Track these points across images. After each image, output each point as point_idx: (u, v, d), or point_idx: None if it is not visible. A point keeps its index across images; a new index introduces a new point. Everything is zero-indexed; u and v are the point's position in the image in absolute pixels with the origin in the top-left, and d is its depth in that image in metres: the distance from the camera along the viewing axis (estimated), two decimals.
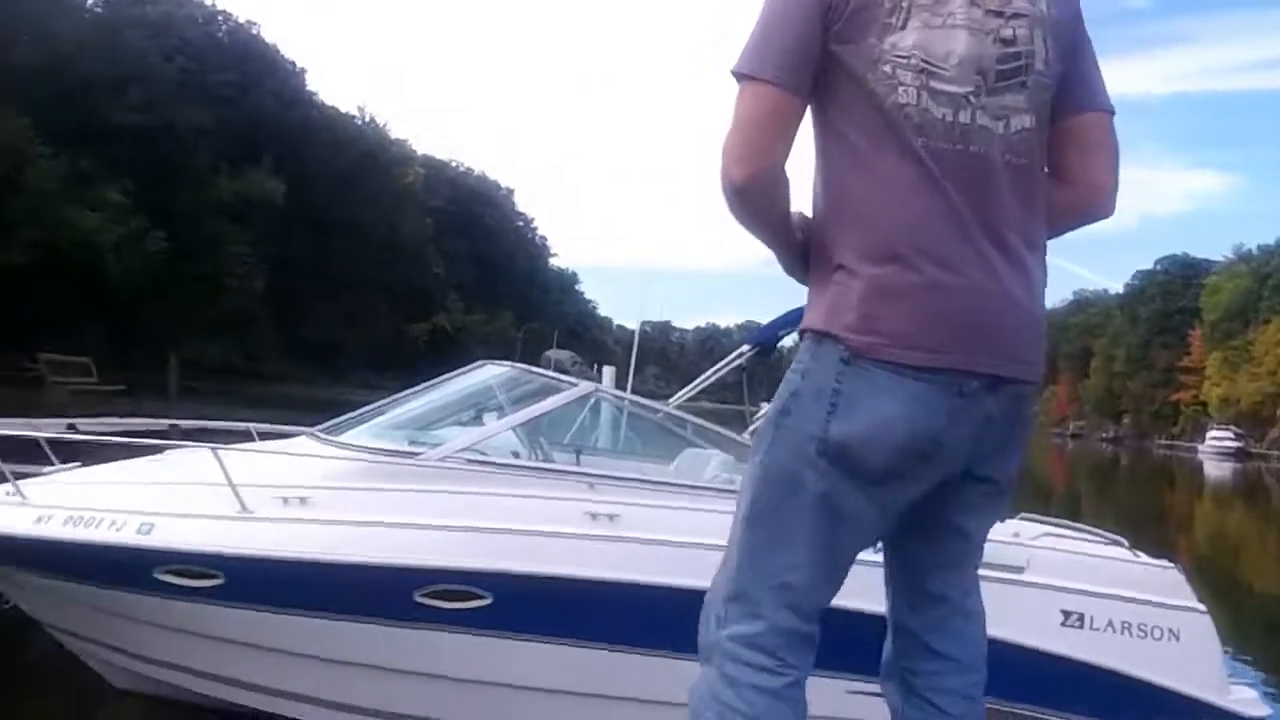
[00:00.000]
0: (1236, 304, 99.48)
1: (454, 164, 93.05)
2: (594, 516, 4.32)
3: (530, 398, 5.09)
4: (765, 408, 2.52)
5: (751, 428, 4.62)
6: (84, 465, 5.09)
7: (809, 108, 2.05)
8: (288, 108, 61.64)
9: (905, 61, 1.97)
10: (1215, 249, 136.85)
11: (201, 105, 51.30)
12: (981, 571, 2.05)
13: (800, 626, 2.09)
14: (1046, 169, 2.15)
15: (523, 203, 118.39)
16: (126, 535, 4.18)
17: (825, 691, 3.73)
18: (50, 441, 5.04)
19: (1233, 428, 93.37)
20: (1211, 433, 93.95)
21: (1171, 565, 4.65)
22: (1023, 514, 5.13)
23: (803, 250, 2.16)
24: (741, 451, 4.52)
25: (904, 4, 1.97)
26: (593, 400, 5.34)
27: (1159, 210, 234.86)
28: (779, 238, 2.16)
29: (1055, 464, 50.43)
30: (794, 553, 2.07)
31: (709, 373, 5.53)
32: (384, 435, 5.01)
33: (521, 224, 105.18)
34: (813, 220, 2.14)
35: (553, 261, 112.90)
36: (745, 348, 5.21)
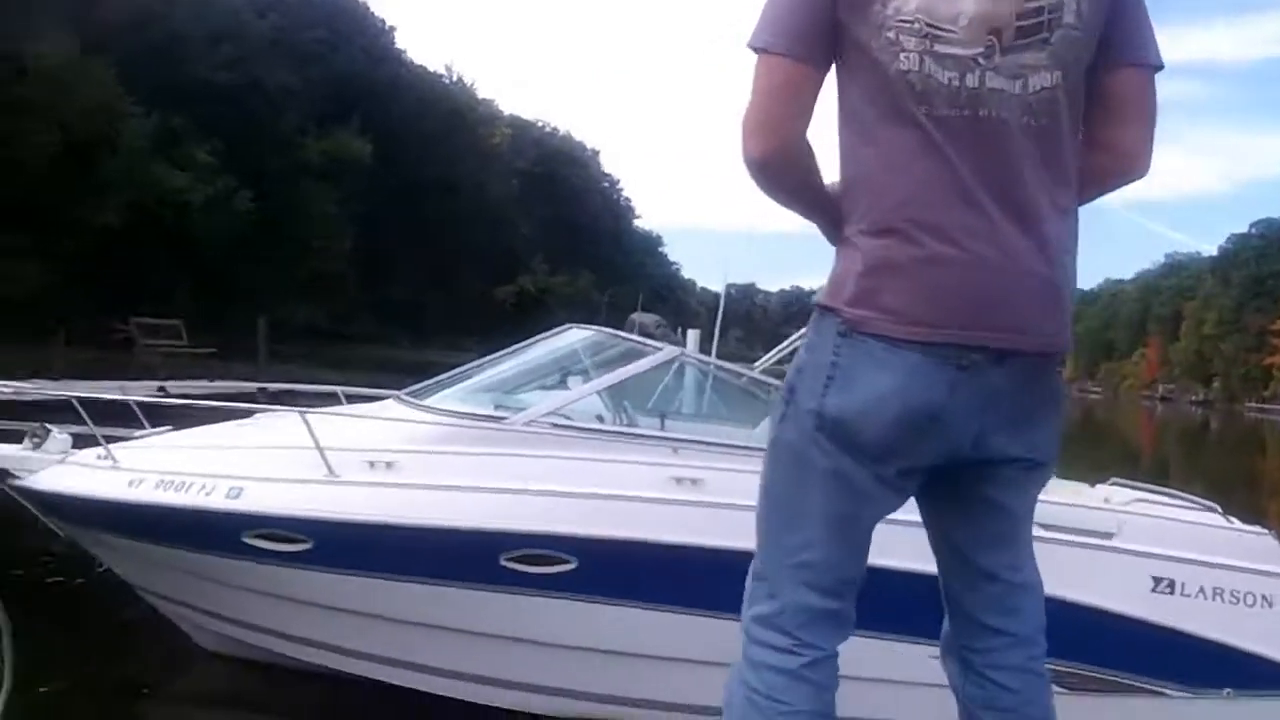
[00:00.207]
0: None
1: (540, 124, 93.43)
2: (678, 481, 4.28)
3: (615, 362, 5.06)
4: None
5: None
6: (174, 429, 5.16)
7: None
8: (376, 65, 61.93)
9: (909, 26, 1.91)
10: None
11: (290, 63, 51.45)
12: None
13: (821, 604, 2.06)
14: (1081, 127, 2.05)
15: (608, 163, 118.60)
16: (216, 500, 4.24)
17: (908, 657, 3.69)
18: (141, 405, 5.12)
19: None
20: None
21: (1266, 531, 4.54)
22: (1114, 479, 5.04)
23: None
24: None
25: None
26: (677, 364, 5.28)
27: (1254, 174, 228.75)
28: (813, 209, 2.12)
29: (1144, 427, 49.51)
30: (809, 531, 2.06)
31: (793, 337, 5.44)
32: (470, 399, 5.00)
33: (607, 185, 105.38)
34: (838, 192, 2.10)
35: (637, 223, 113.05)
36: None
